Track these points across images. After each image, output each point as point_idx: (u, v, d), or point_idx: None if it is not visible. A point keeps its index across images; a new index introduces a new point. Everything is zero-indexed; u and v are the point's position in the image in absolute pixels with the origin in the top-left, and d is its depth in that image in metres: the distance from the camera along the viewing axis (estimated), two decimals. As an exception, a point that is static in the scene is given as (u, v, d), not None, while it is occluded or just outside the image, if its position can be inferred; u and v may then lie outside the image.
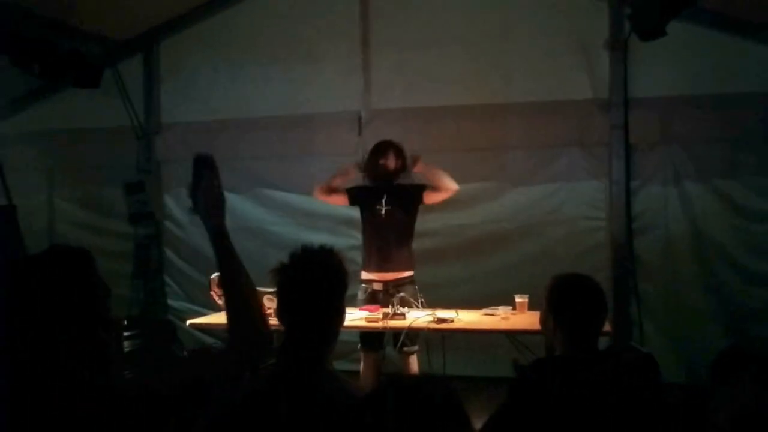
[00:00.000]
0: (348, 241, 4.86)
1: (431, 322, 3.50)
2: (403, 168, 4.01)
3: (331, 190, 4.13)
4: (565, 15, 4.76)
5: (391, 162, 3.98)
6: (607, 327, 3.38)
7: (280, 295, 1.72)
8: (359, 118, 5.15)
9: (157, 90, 5.64)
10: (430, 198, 4.00)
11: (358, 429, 1.19)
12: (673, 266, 4.63)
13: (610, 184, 4.71)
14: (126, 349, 5.02)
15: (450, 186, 3.99)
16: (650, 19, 3.91)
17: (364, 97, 5.19)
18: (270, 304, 3.62)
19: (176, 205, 5.66)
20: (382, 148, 4.02)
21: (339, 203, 4.18)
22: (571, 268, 5.10)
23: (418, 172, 4.05)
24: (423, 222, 4.34)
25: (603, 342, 4.51)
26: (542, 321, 2.12)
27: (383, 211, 3.94)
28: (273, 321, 3.70)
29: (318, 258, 1.71)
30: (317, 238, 4.52)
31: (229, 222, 5.75)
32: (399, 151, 4.02)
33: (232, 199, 6.05)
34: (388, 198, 3.95)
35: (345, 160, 5.17)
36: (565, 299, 2.01)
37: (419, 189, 4.00)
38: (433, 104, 4.99)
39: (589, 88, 4.75)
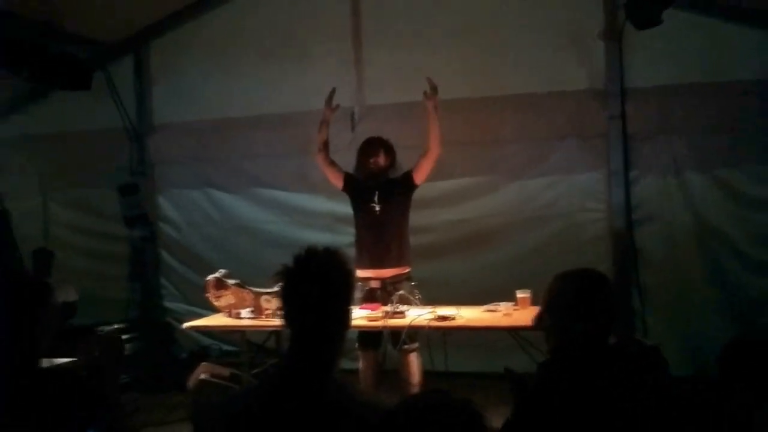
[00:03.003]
0: (345, 239, 4.80)
1: (432, 320, 3.46)
2: (392, 164, 3.94)
3: (329, 161, 4.08)
4: (559, 5, 4.72)
5: (381, 160, 3.92)
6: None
7: (285, 299, 1.64)
8: (352, 115, 5.09)
9: (149, 91, 5.59)
10: (420, 170, 3.92)
11: None
12: (675, 257, 4.58)
13: (608, 175, 4.66)
14: (126, 353, 5.00)
15: (440, 140, 3.89)
16: (646, 8, 3.86)
17: (357, 93, 5.14)
18: (267, 305, 3.58)
19: (171, 206, 5.62)
20: (371, 147, 3.94)
21: (334, 180, 4.10)
22: (570, 261, 5.05)
23: (429, 103, 3.90)
24: (419, 217, 4.30)
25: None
26: (538, 320, 2.05)
27: (377, 208, 3.88)
28: (271, 321, 3.65)
29: (324, 261, 1.64)
30: (314, 236, 4.47)
31: (223, 221, 5.71)
32: (388, 148, 3.95)
33: (225, 199, 6.06)
34: (380, 194, 3.89)
35: (338, 157, 5.13)
36: (569, 299, 1.94)
37: (408, 177, 3.93)
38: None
39: (585, 78, 4.71)
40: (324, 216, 5.09)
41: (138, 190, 5.41)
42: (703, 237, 4.52)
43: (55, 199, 5.91)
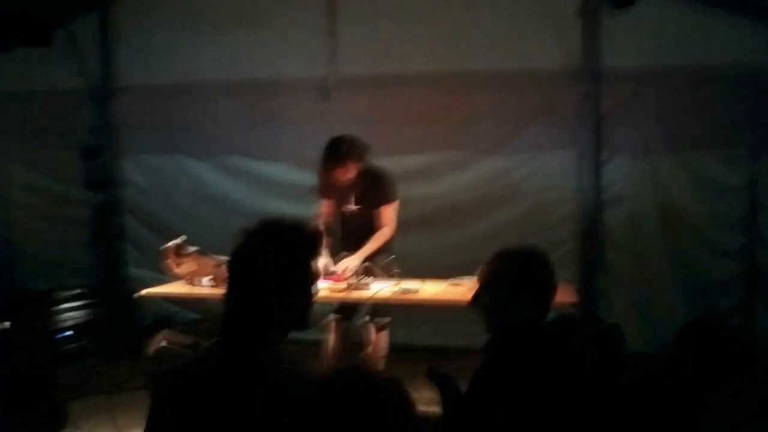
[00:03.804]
0: (314, 210, 4.76)
1: (396, 293, 3.44)
2: (360, 165, 3.69)
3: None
4: (538, -18, 4.65)
5: (350, 173, 3.66)
6: (570, 298, 3.37)
7: (237, 262, 1.56)
8: (326, 84, 4.99)
9: (114, 51, 5.38)
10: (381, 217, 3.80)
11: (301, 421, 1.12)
12: (641, 237, 4.64)
13: (579, 155, 4.66)
14: (86, 319, 4.90)
15: (382, 241, 3.79)
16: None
17: (330, 62, 5.02)
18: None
19: (136, 170, 5.48)
20: (336, 158, 3.61)
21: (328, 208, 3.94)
22: (539, 240, 5.07)
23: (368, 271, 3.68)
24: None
25: (570, 312, 4.50)
26: (476, 298, 1.96)
27: (352, 209, 3.81)
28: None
29: (286, 231, 1.55)
30: (282, 206, 4.38)
31: (191, 189, 5.58)
32: (356, 156, 3.65)
33: (194, 167, 5.92)
34: (355, 197, 3.79)
35: (310, 128, 5.05)
36: (510, 277, 1.88)
37: (379, 202, 3.79)
38: (402, 71, 4.86)
39: (560, 57, 4.65)
40: (294, 186, 4.99)
41: (102, 152, 5.26)
42: (668, 218, 4.58)
43: (15, 161, 5.71)
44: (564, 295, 3.38)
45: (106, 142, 5.37)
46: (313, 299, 1.60)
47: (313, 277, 1.59)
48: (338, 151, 3.61)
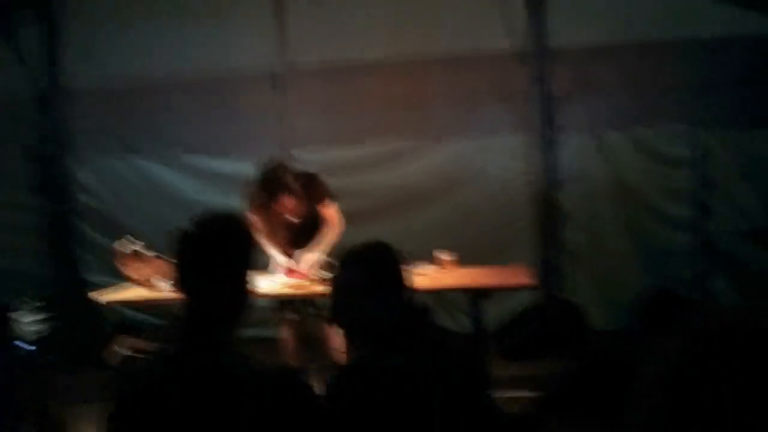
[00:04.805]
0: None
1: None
2: (295, 195, 3.58)
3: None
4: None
5: (287, 203, 3.59)
6: (528, 280, 3.42)
7: (178, 263, 1.57)
8: (276, 76, 4.94)
9: (57, 51, 5.22)
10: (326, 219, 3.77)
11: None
12: (597, 214, 4.73)
13: (532, 135, 4.71)
14: (48, 330, 4.80)
15: (335, 236, 3.76)
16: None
17: (281, 53, 4.97)
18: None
19: (89, 175, 5.36)
20: (276, 191, 3.53)
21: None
22: (496, 224, 5.10)
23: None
24: (347, 183, 4.25)
25: (531, 294, 4.57)
26: (335, 314, 1.80)
27: (295, 220, 3.74)
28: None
29: (222, 224, 1.58)
30: (239, 203, 4.32)
31: (148, 191, 5.44)
32: (289, 191, 3.55)
33: (150, 168, 5.77)
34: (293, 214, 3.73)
35: (264, 121, 5.00)
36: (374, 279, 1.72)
37: (317, 206, 3.73)
38: (353, 59, 4.85)
39: (508, 39, 4.68)
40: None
41: (51, 158, 5.11)
42: (621, 194, 4.68)
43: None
44: (522, 278, 3.44)
45: (56, 147, 5.22)
46: (250, 288, 1.61)
47: (249, 266, 1.60)
48: (271, 192, 3.54)
